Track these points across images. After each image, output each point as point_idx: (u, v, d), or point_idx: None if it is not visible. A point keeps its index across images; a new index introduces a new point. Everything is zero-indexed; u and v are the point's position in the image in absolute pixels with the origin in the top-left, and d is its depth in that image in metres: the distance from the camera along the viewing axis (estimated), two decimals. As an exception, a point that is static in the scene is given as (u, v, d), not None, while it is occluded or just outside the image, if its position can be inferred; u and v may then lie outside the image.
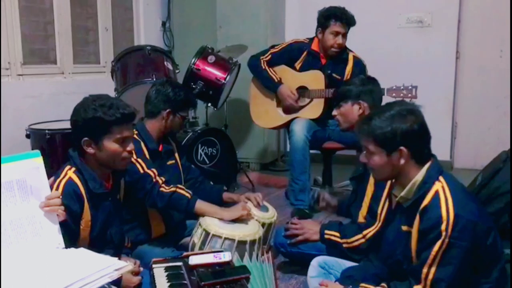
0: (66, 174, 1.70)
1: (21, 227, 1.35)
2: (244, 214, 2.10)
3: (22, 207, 1.37)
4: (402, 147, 1.52)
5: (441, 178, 1.52)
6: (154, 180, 2.10)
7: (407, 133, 1.52)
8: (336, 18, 3.13)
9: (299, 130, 3.11)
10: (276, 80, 3.28)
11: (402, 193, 1.56)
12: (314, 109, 3.24)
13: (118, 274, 1.26)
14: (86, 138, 1.70)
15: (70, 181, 1.69)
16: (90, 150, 1.71)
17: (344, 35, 3.17)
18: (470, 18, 4.28)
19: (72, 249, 1.41)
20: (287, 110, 3.34)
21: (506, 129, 4.14)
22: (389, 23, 4.42)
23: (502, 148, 2.43)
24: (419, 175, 1.53)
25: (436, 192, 1.48)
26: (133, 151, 1.81)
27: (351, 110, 2.18)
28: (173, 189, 2.11)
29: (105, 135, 1.69)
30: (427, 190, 1.50)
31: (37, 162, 1.41)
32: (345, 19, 3.14)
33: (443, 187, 1.49)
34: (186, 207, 2.10)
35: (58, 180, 1.68)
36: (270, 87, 3.32)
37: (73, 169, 1.72)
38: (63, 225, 1.44)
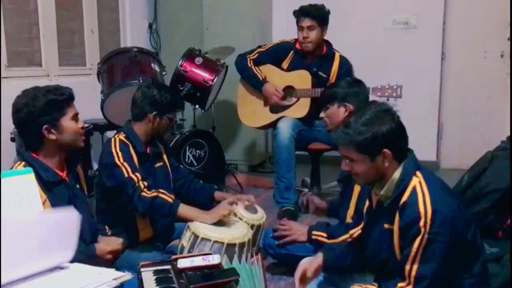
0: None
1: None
2: (226, 214, 2.08)
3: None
4: (385, 149, 1.50)
5: (418, 173, 1.52)
6: (136, 184, 2.08)
7: (388, 134, 1.50)
8: (301, 14, 3.20)
9: (285, 128, 3.12)
10: (260, 78, 3.29)
11: (382, 192, 1.56)
12: (300, 108, 3.25)
13: (117, 283, 1.25)
14: (46, 126, 1.72)
15: None
16: (52, 136, 1.73)
17: (311, 28, 3.16)
18: (454, 20, 4.34)
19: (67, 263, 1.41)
20: (274, 109, 3.34)
21: (491, 130, 4.20)
22: (375, 25, 4.46)
23: (487, 148, 2.45)
24: (397, 173, 1.53)
25: (414, 188, 1.49)
26: (85, 129, 1.85)
27: (338, 112, 2.19)
28: (154, 194, 2.08)
29: (62, 116, 1.74)
30: (405, 186, 1.50)
31: (31, 178, 1.45)
32: (308, 13, 3.17)
33: (420, 182, 1.49)
34: (168, 212, 2.09)
35: None
36: (255, 85, 3.34)
37: (23, 163, 1.72)
38: None
